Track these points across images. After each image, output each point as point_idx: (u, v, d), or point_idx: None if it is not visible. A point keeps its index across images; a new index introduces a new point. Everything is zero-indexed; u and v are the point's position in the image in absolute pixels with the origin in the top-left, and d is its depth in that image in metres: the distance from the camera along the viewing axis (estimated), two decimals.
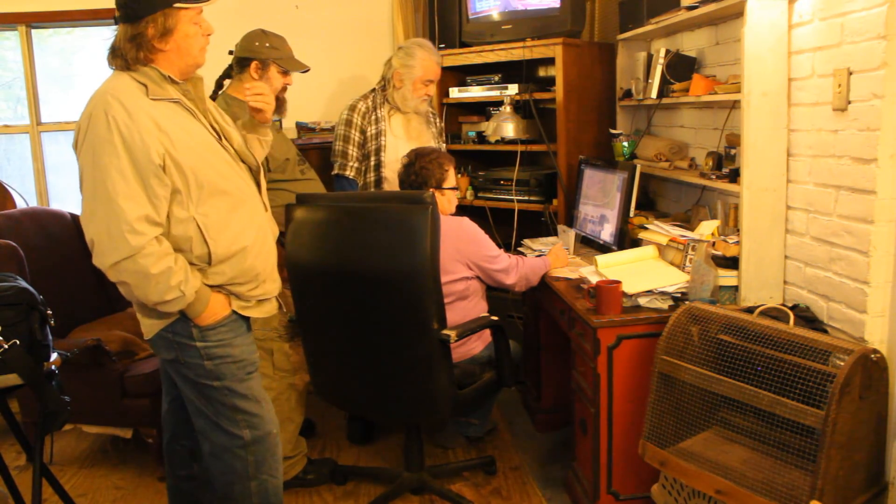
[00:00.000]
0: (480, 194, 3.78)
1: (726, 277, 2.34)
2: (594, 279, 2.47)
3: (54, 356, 2.14)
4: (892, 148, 1.86)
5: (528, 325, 3.38)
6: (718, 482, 1.92)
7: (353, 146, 3.18)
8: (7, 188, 3.73)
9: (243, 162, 2.05)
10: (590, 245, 3.22)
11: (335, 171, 3.21)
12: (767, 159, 2.25)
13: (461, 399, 2.49)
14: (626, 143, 3.23)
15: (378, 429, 3.24)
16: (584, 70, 3.44)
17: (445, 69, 3.60)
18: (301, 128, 4.00)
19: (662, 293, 2.40)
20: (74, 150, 1.87)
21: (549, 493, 2.73)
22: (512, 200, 3.62)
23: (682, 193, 3.11)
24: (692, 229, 2.66)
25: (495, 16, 3.62)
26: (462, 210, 2.93)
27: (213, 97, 2.78)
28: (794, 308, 2.13)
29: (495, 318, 2.60)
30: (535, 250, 3.12)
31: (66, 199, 4.25)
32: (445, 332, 2.32)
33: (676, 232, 2.64)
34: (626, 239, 2.89)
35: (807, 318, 2.13)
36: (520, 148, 3.53)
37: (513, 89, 3.56)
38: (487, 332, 2.76)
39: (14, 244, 2.86)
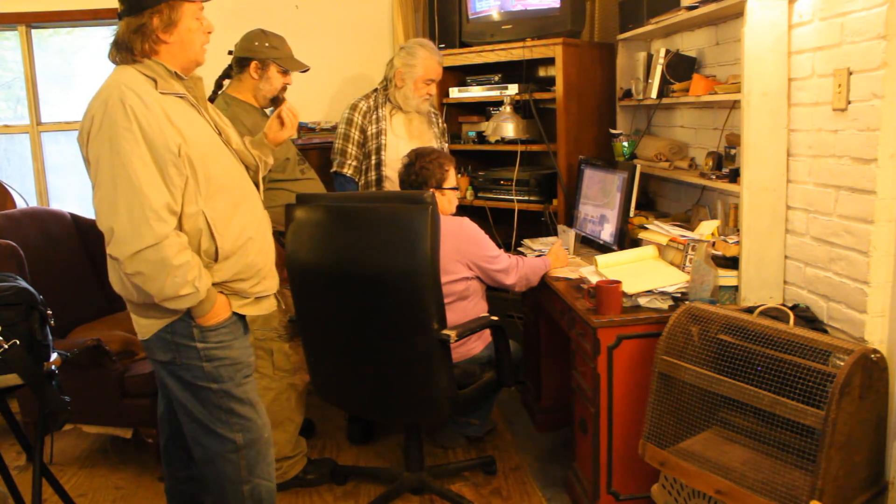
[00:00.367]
0: (480, 194, 3.78)
1: (726, 277, 2.34)
2: (594, 279, 2.47)
3: (54, 356, 2.14)
4: (892, 148, 1.86)
5: (528, 325, 3.38)
6: (718, 482, 1.92)
7: (353, 145, 3.19)
8: (7, 188, 3.73)
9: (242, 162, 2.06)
10: (590, 245, 3.22)
11: (334, 169, 3.23)
12: (767, 159, 2.25)
13: (461, 399, 2.49)
14: (626, 143, 3.23)
15: (378, 429, 3.24)
16: (584, 70, 3.44)
17: (445, 69, 3.59)
18: (301, 128, 3.99)
19: (662, 293, 2.40)
20: (81, 142, 1.85)
21: (549, 493, 2.73)
22: (512, 200, 3.62)
23: (682, 193, 3.11)
24: (692, 229, 2.66)
25: (495, 16, 3.62)
26: (462, 210, 2.93)
27: (213, 97, 2.79)
28: (794, 308, 2.13)
29: (495, 318, 2.60)
30: (535, 250, 3.12)
31: (66, 199, 4.25)
32: (445, 331, 2.32)
33: (676, 232, 2.64)
34: (626, 239, 2.89)
35: (807, 318, 2.13)
36: (520, 148, 3.53)
37: (513, 89, 3.56)
38: (487, 332, 2.76)
39: (14, 244, 2.86)
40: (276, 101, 2.85)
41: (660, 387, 2.11)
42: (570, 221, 3.37)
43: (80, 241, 3.42)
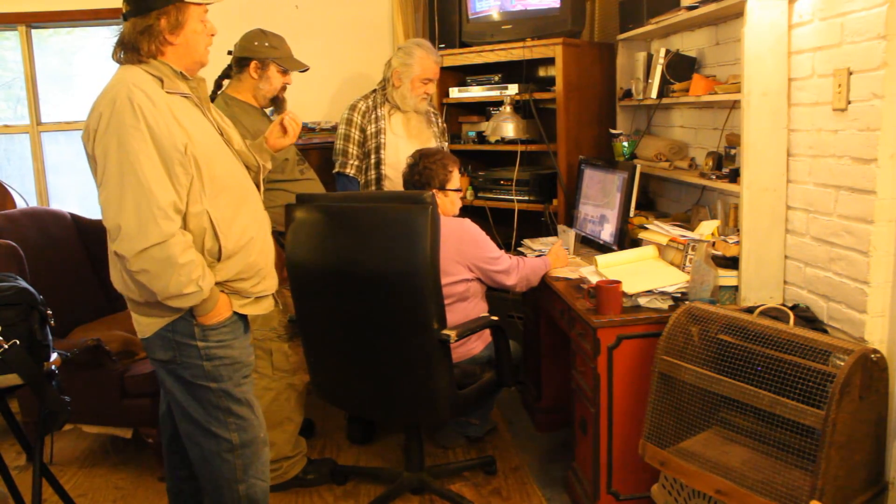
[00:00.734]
0: (480, 194, 3.78)
1: (726, 277, 2.34)
2: (594, 279, 2.47)
3: (54, 356, 2.14)
4: (892, 148, 1.86)
5: (528, 325, 3.38)
6: (718, 482, 1.92)
7: (354, 144, 3.20)
8: (7, 188, 3.73)
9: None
10: (590, 245, 3.22)
11: (336, 169, 3.24)
12: (767, 159, 2.25)
13: (461, 399, 2.49)
14: (626, 143, 3.23)
15: (378, 429, 3.24)
16: (584, 70, 3.44)
17: (445, 69, 3.60)
18: (301, 128, 3.99)
19: (662, 293, 2.40)
20: (86, 140, 1.85)
21: (549, 493, 2.73)
22: (512, 200, 3.62)
23: (682, 193, 3.11)
24: (692, 229, 2.66)
25: (495, 16, 3.62)
26: (462, 210, 2.92)
27: (213, 97, 2.79)
28: (794, 308, 2.13)
29: (495, 318, 2.60)
30: (535, 250, 3.12)
31: (66, 199, 4.25)
32: (445, 331, 2.32)
33: (676, 232, 2.64)
34: (626, 239, 2.89)
35: (807, 318, 2.13)
36: (520, 148, 3.53)
37: (513, 89, 3.56)
38: (487, 332, 2.76)
39: (14, 244, 2.86)
40: (276, 100, 2.86)
41: (660, 387, 2.11)
42: (570, 221, 3.37)
43: (80, 241, 3.42)
